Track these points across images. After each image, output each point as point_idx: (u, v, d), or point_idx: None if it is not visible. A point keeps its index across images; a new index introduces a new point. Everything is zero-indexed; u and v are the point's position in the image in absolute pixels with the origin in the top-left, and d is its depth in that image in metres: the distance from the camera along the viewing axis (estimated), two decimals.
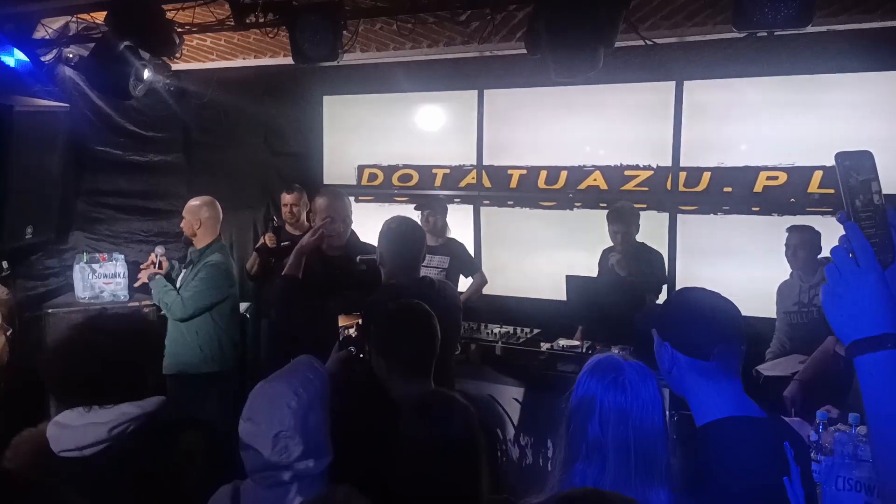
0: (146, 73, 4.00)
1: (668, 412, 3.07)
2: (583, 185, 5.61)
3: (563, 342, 4.23)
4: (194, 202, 4.08)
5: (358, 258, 3.16)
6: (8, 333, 2.33)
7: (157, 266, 3.98)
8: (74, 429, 1.79)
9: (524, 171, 5.81)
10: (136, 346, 1.92)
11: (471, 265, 4.93)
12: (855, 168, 0.97)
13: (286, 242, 4.85)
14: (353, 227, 3.53)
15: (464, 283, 4.93)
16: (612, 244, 4.63)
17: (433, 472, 1.62)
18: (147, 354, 1.97)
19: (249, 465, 1.76)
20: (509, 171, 5.87)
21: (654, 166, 5.36)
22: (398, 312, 2.22)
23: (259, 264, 4.76)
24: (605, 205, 5.52)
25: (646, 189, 5.41)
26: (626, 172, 5.46)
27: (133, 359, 1.90)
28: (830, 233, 4.05)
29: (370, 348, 2.17)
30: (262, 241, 4.83)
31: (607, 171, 5.53)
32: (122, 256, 4.48)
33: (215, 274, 3.93)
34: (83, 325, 1.92)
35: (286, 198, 5.01)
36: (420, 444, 1.65)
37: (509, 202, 5.92)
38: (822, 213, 4.65)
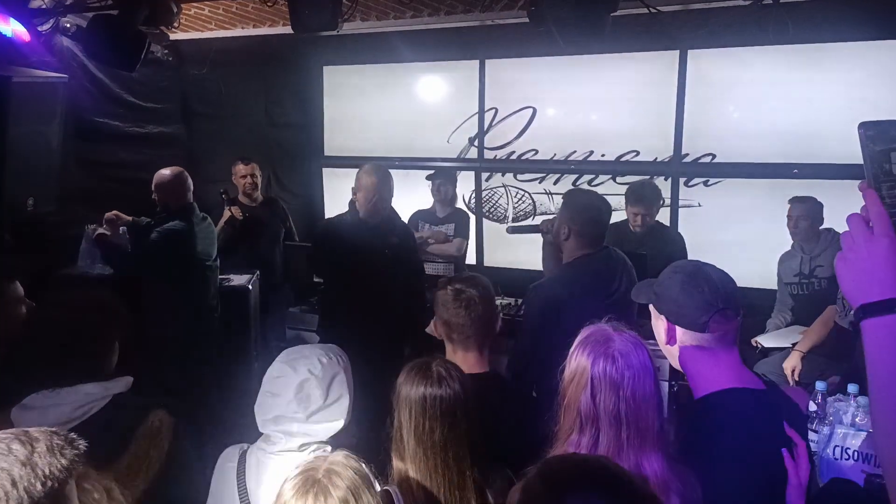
0: (151, 46, 3.98)
1: (667, 382, 3.10)
2: (584, 157, 5.59)
3: None
4: (164, 173, 4.08)
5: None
6: (32, 308, 2.33)
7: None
8: (37, 410, 1.78)
9: (523, 153, 5.80)
10: (97, 322, 1.90)
11: (466, 235, 5.02)
12: (877, 137, 0.97)
13: (246, 214, 4.85)
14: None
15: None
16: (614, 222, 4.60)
17: (429, 427, 1.70)
18: (110, 330, 1.95)
19: (264, 415, 1.80)
20: (510, 153, 5.85)
21: (655, 159, 5.36)
22: (458, 290, 2.29)
23: (223, 239, 4.72)
24: (608, 177, 5.52)
25: (648, 160, 5.40)
26: (625, 158, 5.44)
27: (93, 336, 1.88)
28: (833, 204, 4.04)
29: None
30: (227, 215, 4.79)
31: (608, 165, 5.51)
32: (124, 228, 4.47)
33: (158, 237, 3.95)
34: (42, 304, 1.92)
35: (244, 168, 4.98)
36: (420, 404, 1.72)
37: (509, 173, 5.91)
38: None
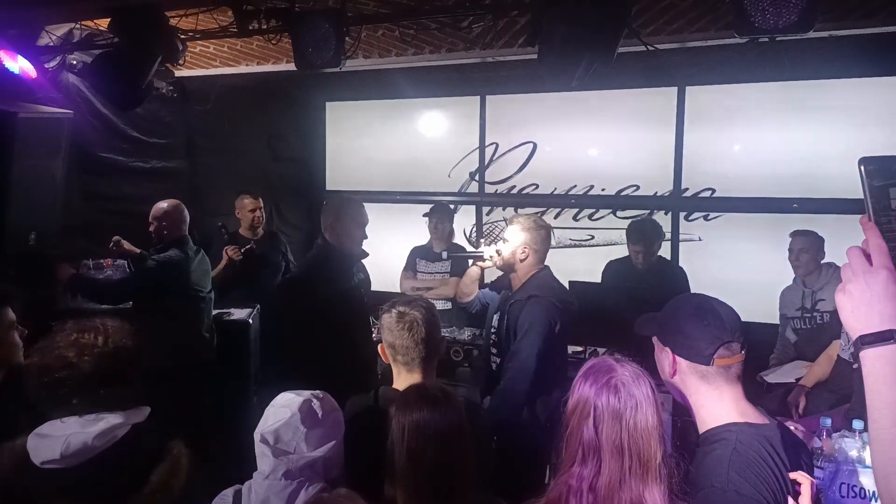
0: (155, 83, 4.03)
1: (670, 416, 3.08)
2: (584, 191, 5.62)
3: None
4: (162, 205, 4.13)
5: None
6: (24, 334, 2.34)
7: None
8: (56, 439, 1.73)
9: (524, 187, 5.84)
10: (134, 350, 1.90)
11: (462, 273, 4.98)
12: (876, 173, 0.98)
13: (250, 245, 4.83)
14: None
15: None
16: (616, 257, 4.60)
17: (426, 451, 1.71)
18: (142, 359, 1.94)
19: (267, 426, 1.85)
20: (510, 188, 5.88)
21: (655, 194, 5.41)
22: (400, 313, 2.35)
23: (222, 279, 4.72)
24: (609, 211, 5.55)
25: (648, 195, 5.43)
26: (625, 192, 5.47)
27: (129, 364, 1.87)
28: (833, 238, 4.05)
29: None
30: (226, 259, 4.73)
31: (608, 199, 5.55)
32: (125, 262, 4.48)
33: (155, 265, 3.97)
34: (69, 332, 1.86)
35: (252, 203, 5.00)
36: (414, 425, 1.74)
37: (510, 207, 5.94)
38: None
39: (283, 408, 1.88)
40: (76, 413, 1.78)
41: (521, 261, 3.15)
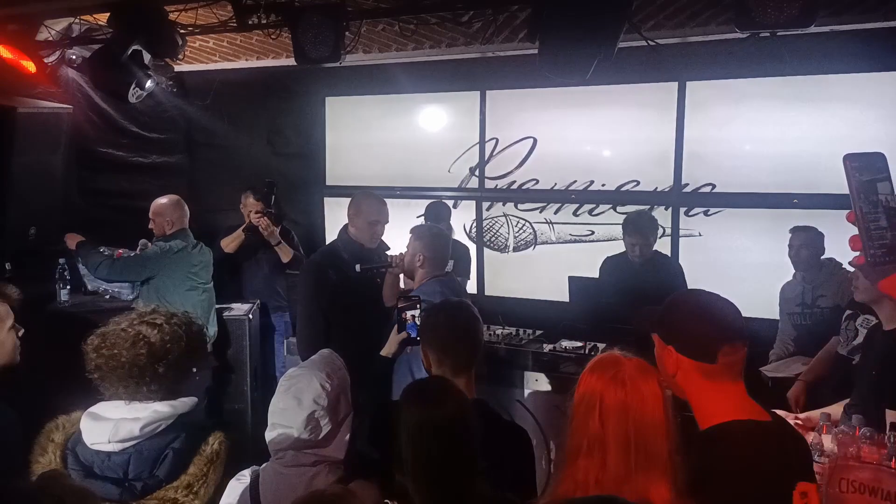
0: (148, 83, 3.98)
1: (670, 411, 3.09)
2: (584, 186, 5.62)
3: (565, 343, 4.22)
4: (161, 201, 4.15)
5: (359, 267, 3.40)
6: (20, 333, 2.35)
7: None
8: (108, 422, 1.80)
9: (524, 183, 5.83)
10: (186, 344, 1.94)
11: (467, 271, 4.99)
12: (862, 169, 0.98)
13: (271, 210, 4.88)
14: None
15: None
16: (612, 253, 4.61)
17: (429, 447, 1.69)
18: (193, 353, 1.98)
19: (277, 446, 1.89)
20: (510, 183, 5.88)
21: (655, 189, 5.39)
22: (452, 315, 2.31)
23: (235, 244, 4.82)
24: (609, 206, 5.54)
25: (649, 190, 5.43)
26: (625, 188, 5.46)
27: (181, 357, 1.91)
28: (833, 233, 4.04)
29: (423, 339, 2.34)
30: (251, 222, 4.81)
31: (608, 194, 5.53)
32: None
33: (158, 250, 4.01)
34: (139, 320, 1.92)
35: (256, 203, 5.00)
36: (418, 421, 1.72)
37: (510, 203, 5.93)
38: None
39: (288, 429, 1.89)
40: (129, 399, 1.84)
41: (418, 267, 3.36)
